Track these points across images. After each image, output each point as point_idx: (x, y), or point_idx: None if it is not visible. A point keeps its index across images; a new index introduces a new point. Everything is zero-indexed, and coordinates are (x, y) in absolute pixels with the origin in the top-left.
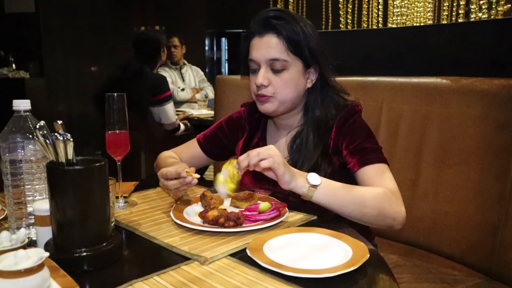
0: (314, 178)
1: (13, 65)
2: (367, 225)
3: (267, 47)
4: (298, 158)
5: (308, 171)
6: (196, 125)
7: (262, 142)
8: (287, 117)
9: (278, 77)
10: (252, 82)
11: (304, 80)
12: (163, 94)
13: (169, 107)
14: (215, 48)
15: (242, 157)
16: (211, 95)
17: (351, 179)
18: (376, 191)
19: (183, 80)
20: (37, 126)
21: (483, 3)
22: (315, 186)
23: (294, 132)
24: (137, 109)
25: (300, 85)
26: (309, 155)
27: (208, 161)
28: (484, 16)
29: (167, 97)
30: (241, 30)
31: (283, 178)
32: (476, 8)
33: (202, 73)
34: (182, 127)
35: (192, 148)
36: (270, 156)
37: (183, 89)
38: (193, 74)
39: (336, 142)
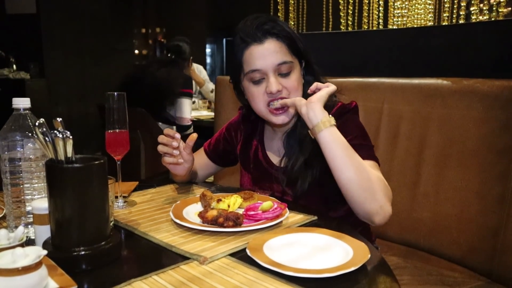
0: (331, 119)
1: (14, 66)
2: (355, 205)
3: (272, 52)
4: (292, 153)
5: (301, 168)
6: (196, 126)
7: (261, 145)
8: None
9: (288, 80)
10: (259, 94)
11: (302, 79)
12: (188, 89)
13: (188, 102)
14: (215, 50)
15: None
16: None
17: None
18: (374, 171)
19: None
20: (37, 124)
21: (484, 5)
22: (328, 123)
23: (290, 130)
24: (164, 96)
25: (301, 84)
26: (303, 149)
27: (216, 168)
28: (485, 18)
29: (190, 93)
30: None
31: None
32: (477, 10)
33: (201, 67)
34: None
35: (200, 158)
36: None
37: None
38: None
39: None
